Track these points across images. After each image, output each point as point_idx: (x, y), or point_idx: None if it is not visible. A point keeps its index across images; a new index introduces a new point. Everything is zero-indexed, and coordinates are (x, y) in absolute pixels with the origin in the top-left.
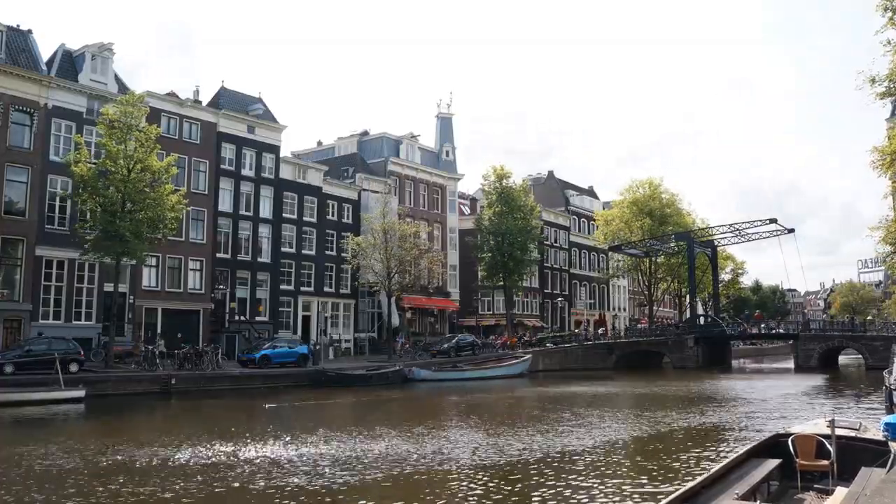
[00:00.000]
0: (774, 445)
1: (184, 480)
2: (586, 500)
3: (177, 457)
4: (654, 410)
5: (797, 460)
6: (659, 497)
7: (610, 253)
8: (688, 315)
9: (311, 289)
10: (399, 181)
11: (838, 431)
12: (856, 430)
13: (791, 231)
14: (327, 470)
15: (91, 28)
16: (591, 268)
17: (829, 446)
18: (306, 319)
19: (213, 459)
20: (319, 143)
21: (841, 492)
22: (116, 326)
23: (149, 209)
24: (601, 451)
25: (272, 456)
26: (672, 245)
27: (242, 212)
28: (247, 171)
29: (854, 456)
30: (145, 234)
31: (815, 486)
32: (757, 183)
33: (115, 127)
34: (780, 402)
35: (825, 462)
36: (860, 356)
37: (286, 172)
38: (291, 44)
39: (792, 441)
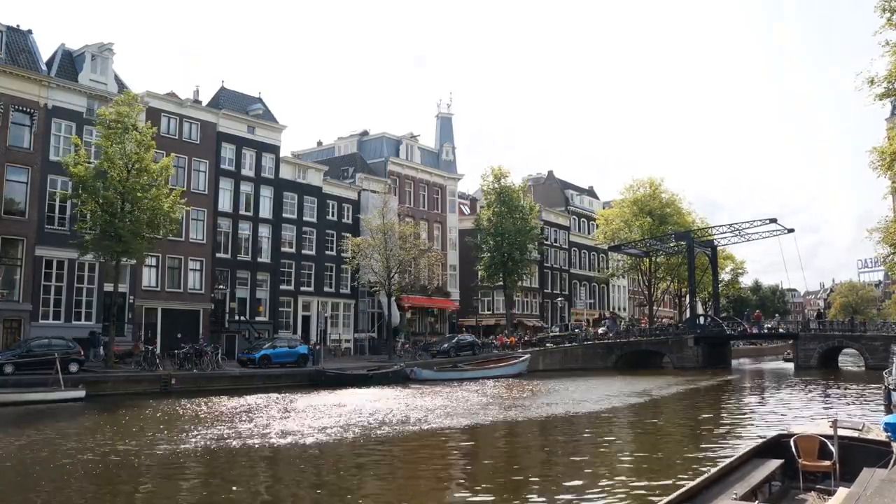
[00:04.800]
0: (776, 446)
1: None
2: (585, 499)
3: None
4: (654, 410)
5: (799, 461)
6: (660, 497)
7: (610, 253)
8: (688, 315)
9: (311, 289)
10: (399, 181)
11: (841, 432)
12: (858, 430)
13: (791, 231)
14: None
15: (91, 28)
16: (591, 268)
17: (831, 447)
18: (306, 319)
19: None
20: (319, 143)
21: (843, 492)
22: (116, 326)
23: (147, 209)
24: (600, 451)
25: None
26: (672, 245)
27: (242, 212)
28: (247, 171)
29: (857, 457)
30: (144, 234)
31: (818, 486)
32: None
33: (113, 127)
34: (780, 401)
35: (827, 463)
36: (860, 356)
37: (286, 172)
38: (291, 44)
39: (794, 441)
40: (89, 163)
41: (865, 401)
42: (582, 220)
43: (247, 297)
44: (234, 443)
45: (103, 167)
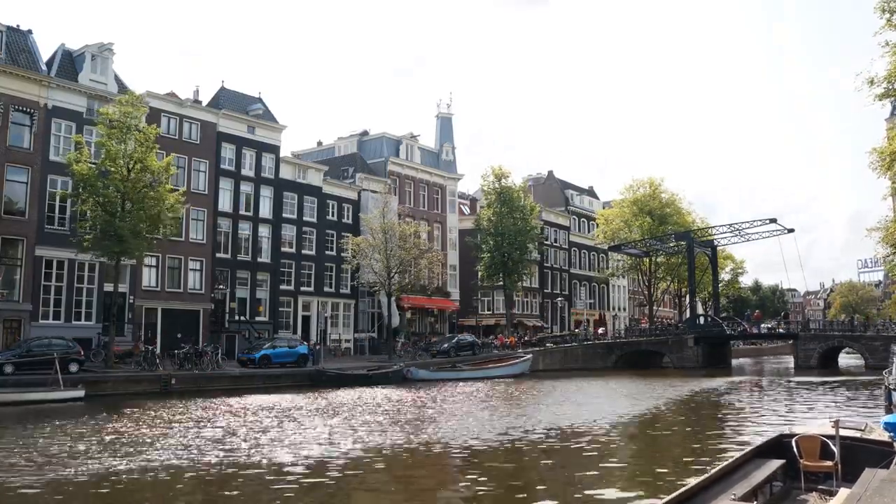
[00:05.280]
0: (778, 446)
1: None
2: (586, 498)
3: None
4: (655, 410)
5: (801, 461)
6: (660, 496)
7: (610, 253)
8: (688, 315)
9: (311, 289)
10: (399, 181)
11: (843, 432)
12: (861, 430)
13: (791, 231)
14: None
15: (91, 28)
16: (591, 268)
17: (833, 447)
18: (306, 319)
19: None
20: (319, 143)
21: (844, 493)
22: (116, 326)
23: (148, 209)
24: (601, 450)
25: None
26: (672, 245)
27: (242, 212)
28: (247, 171)
29: (859, 457)
30: (144, 234)
31: (819, 487)
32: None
33: (115, 127)
34: (780, 401)
35: (829, 463)
36: (860, 356)
37: (286, 172)
38: (291, 44)
39: (796, 442)
40: (92, 163)
41: (866, 400)
42: (582, 220)
43: (247, 297)
44: None
45: (105, 166)
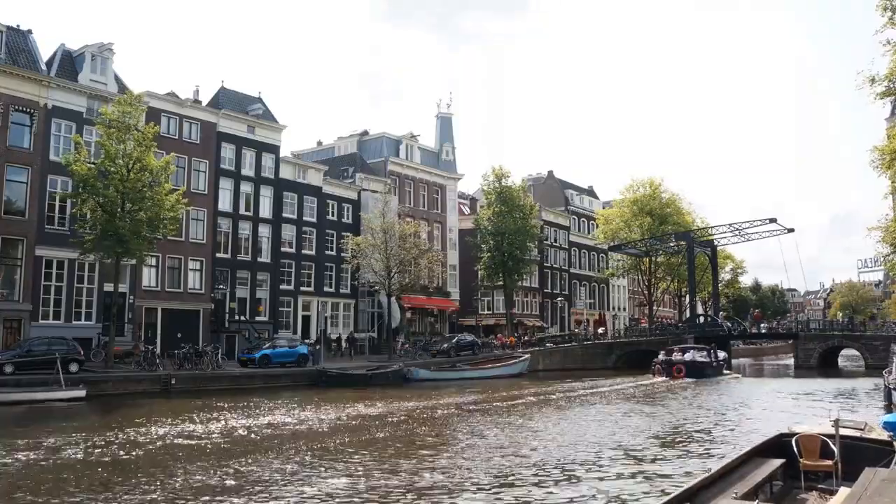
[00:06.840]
0: (778, 445)
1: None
2: (585, 499)
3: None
4: (653, 409)
5: (801, 460)
6: (660, 496)
7: (610, 252)
8: (688, 315)
9: (311, 289)
10: (399, 181)
11: (843, 431)
12: (861, 429)
13: (791, 231)
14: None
15: (91, 28)
16: (591, 267)
17: (833, 446)
18: (306, 319)
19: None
20: (319, 143)
21: (843, 492)
22: (116, 326)
23: (148, 209)
24: (600, 450)
25: None
26: (672, 245)
27: (242, 212)
28: (247, 171)
29: (859, 456)
30: (144, 234)
31: (819, 486)
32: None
33: (114, 127)
34: (780, 401)
35: (829, 462)
36: (860, 356)
37: (286, 172)
38: (291, 44)
39: (796, 441)
40: (91, 163)
41: (865, 400)
42: (582, 219)
43: (247, 297)
44: None
45: (104, 166)
